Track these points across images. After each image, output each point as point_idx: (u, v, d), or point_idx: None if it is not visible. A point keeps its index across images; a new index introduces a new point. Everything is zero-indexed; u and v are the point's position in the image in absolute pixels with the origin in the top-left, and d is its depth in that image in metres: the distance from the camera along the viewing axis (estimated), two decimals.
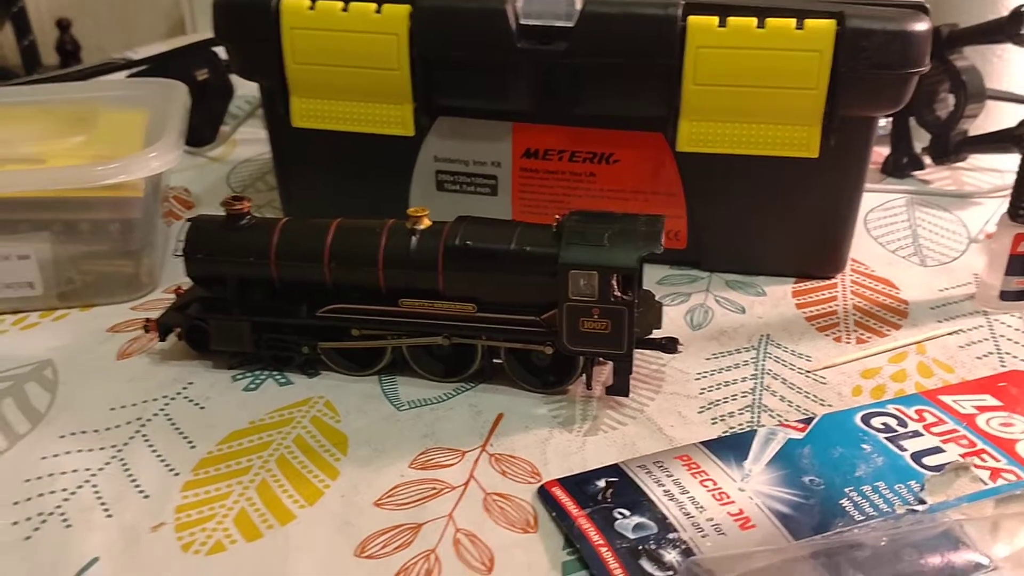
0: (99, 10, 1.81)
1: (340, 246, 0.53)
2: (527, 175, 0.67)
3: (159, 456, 0.48)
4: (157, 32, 1.74)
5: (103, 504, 0.45)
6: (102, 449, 0.49)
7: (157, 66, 0.87)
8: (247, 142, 0.89)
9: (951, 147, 0.78)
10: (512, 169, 0.66)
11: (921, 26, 0.57)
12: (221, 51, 0.86)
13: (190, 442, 0.49)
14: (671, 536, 0.42)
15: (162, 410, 0.52)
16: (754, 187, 0.63)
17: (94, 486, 0.46)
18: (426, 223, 0.53)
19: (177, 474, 0.47)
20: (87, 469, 0.48)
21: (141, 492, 0.46)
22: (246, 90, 0.90)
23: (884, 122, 0.82)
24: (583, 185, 0.66)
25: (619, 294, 0.49)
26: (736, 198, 0.64)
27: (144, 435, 0.50)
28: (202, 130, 0.86)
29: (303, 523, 0.44)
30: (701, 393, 0.53)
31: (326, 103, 0.64)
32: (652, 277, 0.66)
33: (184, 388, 0.54)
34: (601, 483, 0.46)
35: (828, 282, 0.65)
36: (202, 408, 0.52)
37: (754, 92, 0.58)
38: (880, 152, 0.83)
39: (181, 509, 0.45)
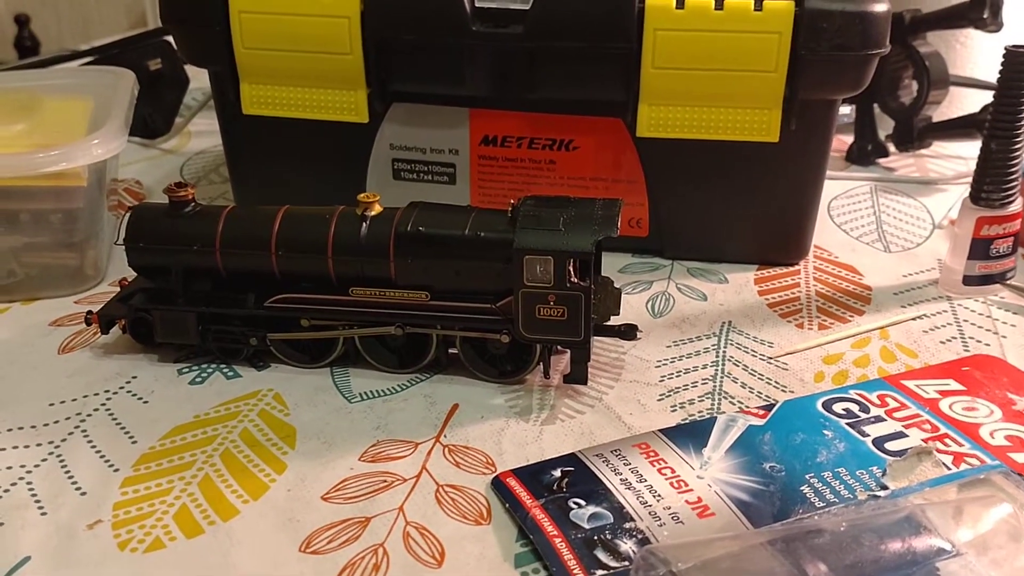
0: (59, 5, 1.78)
1: (288, 233, 0.51)
2: (486, 163, 0.65)
3: (98, 452, 0.46)
4: (118, 27, 1.71)
5: (38, 502, 0.43)
6: (39, 446, 0.47)
7: (109, 56, 0.84)
8: (202, 133, 0.87)
9: (915, 134, 0.78)
10: (470, 157, 0.65)
11: (880, 7, 0.56)
12: None
13: (131, 437, 0.47)
14: (627, 526, 0.41)
15: (103, 405, 0.50)
16: (716, 173, 0.62)
17: (29, 483, 0.44)
18: (377, 209, 0.51)
19: (116, 470, 0.45)
20: (22, 466, 0.46)
21: (78, 489, 0.44)
22: (202, 81, 0.88)
23: (848, 110, 0.82)
24: (543, 173, 0.65)
25: (575, 280, 0.47)
26: (698, 185, 0.63)
27: (84, 431, 0.48)
28: (155, 121, 0.84)
29: (246, 519, 0.42)
30: (661, 380, 0.52)
31: (277, 89, 0.62)
32: (614, 265, 0.65)
33: (127, 382, 0.52)
34: (557, 473, 0.44)
35: (791, 269, 0.64)
36: (145, 402, 0.50)
37: (713, 75, 0.57)
38: (844, 140, 0.82)
39: (119, 506, 0.43)
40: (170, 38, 0.85)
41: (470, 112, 0.63)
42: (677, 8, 0.56)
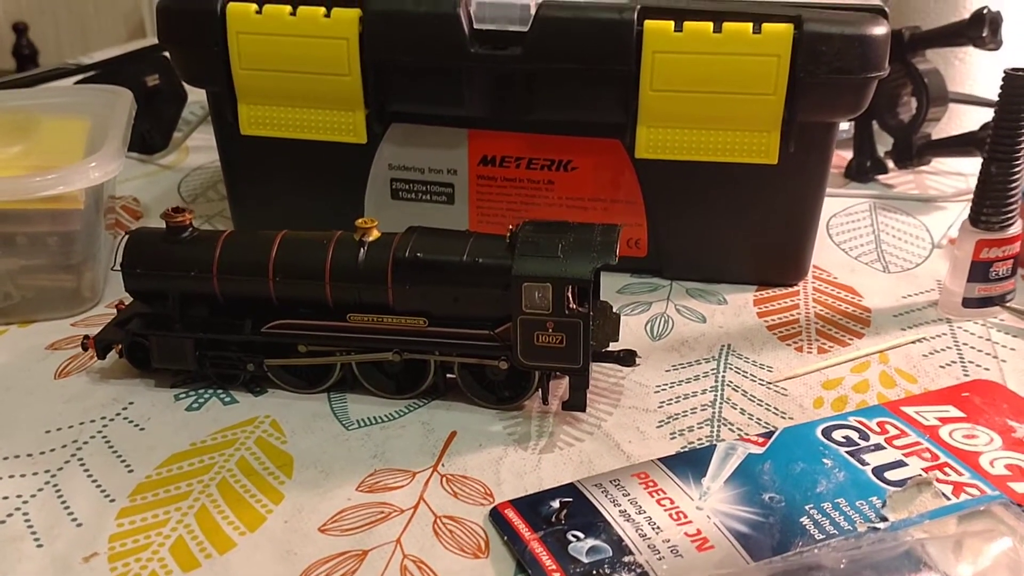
0: (58, 14, 1.77)
1: (285, 259, 0.51)
2: (484, 183, 0.65)
3: (95, 481, 0.46)
4: (117, 36, 1.71)
5: (34, 533, 0.43)
6: (35, 475, 0.47)
7: (106, 71, 0.84)
8: (200, 149, 0.87)
9: (914, 151, 0.77)
10: (469, 177, 0.65)
11: (880, 30, 0.56)
12: None
13: (128, 466, 0.47)
14: (626, 559, 0.41)
15: (100, 432, 0.50)
16: (714, 194, 0.62)
17: (25, 514, 0.44)
18: (375, 234, 0.51)
19: (113, 500, 0.45)
20: (18, 496, 0.45)
21: (74, 520, 0.44)
22: (200, 96, 0.87)
23: (847, 126, 0.82)
24: (542, 193, 0.65)
25: (574, 306, 0.47)
26: (696, 205, 0.63)
27: (80, 459, 0.48)
28: (153, 137, 0.84)
29: (243, 551, 0.42)
30: (660, 407, 0.52)
31: (275, 110, 0.62)
32: (612, 286, 0.64)
33: (124, 408, 0.51)
34: (555, 504, 0.44)
35: (790, 290, 0.64)
36: (142, 429, 0.50)
37: (712, 98, 0.57)
38: (843, 156, 0.82)
39: (115, 538, 0.43)
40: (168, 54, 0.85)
41: (469, 133, 0.63)
42: (676, 31, 0.56)
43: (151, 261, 0.52)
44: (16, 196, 0.55)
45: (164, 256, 0.52)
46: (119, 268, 0.52)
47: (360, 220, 0.51)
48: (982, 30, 0.71)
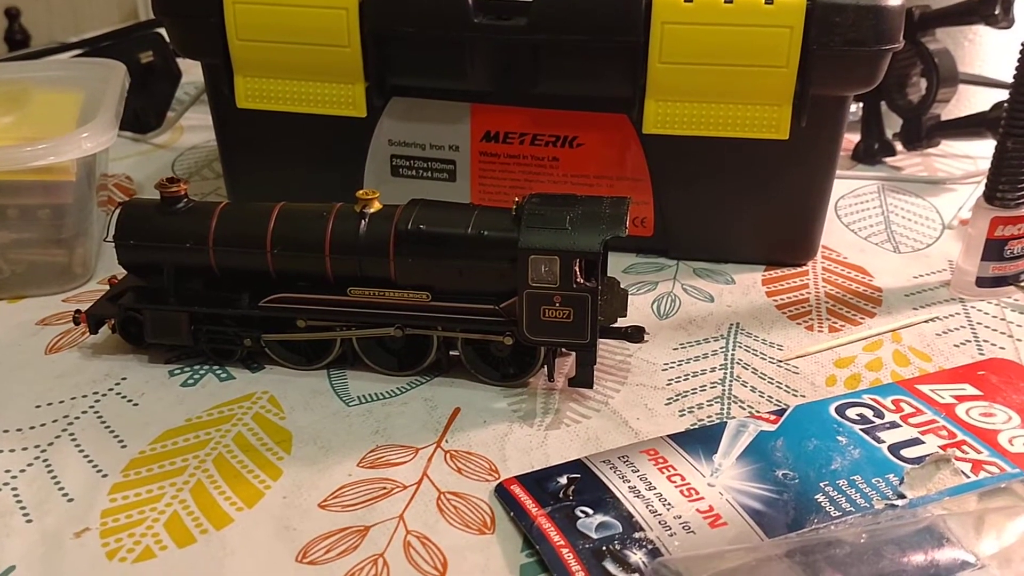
0: None
1: (284, 231, 0.49)
2: (487, 160, 0.63)
3: (86, 457, 0.45)
4: (110, 21, 1.69)
5: (23, 508, 0.42)
6: (25, 450, 0.45)
7: (99, 48, 0.83)
8: (194, 128, 0.85)
9: (923, 132, 0.76)
10: (471, 153, 0.63)
11: (894, 1, 0.55)
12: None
13: (121, 441, 0.46)
14: (637, 535, 0.39)
15: (92, 407, 0.48)
16: (723, 171, 0.61)
17: (14, 489, 0.43)
18: (376, 206, 0.50)
19: (105, 476, 0.44)
20: (7, 471, 0.44)
21: (65, 495, 0.42)
22: (194, 75, 0.86)
23: (855, 107, 0.80)
24: (546, 170, 0.63)
25: (582, 280, 0.46)
26: (704, 183, 0.61)
27: (71, 434, 0.46)
28: (147, 115, 0.82)
29: (240, 527, 0.41)
30: (668, 384, 0.50)
31: (272, 82, 0.60)
32: (618, 265, 0.63)
33: (117, 384, 0.50)
34: (563, 480, 0.43)
35: (799, 269, 0.63)
36: (135, 405, 0.48)
37: (722, 70, 0.56)
38: (851, 138, 0.81)
39: (108, 513, 0.41)
40: (162, 30, 0.83)
41: (471, 107, 0.62)
42: (686, 1, 0.55)
43: (145, 232, 0.50)
44: (6, 166, 0.54)
45: (158, 227, 0.50)
46: (112, 239, 0.51)
47: (361, 191, 0.50)
48: (994, 8, 0.69)
